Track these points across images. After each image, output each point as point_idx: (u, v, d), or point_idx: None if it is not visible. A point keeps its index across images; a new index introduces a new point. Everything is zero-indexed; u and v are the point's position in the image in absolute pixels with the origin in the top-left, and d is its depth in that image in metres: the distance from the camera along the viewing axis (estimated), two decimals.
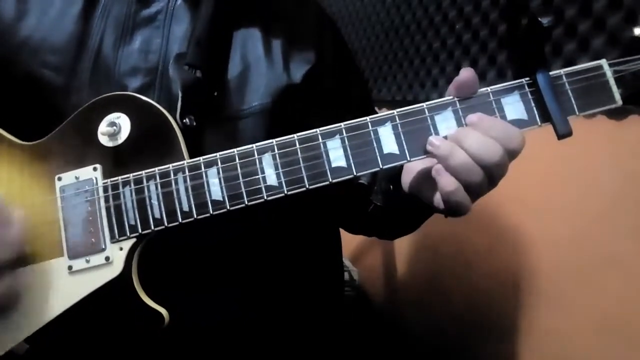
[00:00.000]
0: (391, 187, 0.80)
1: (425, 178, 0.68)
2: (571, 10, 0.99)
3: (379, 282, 1.79)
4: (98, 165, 0.73)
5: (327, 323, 1.03)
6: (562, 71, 0.63)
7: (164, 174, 0.70)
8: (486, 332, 1.27)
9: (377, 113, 0.68)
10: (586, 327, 0.99)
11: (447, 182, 0.63)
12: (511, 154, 0.64)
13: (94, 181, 0.73)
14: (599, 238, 0.97)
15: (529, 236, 1.15)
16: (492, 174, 0.63)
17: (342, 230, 1.06)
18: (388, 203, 0.84)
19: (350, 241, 1.82)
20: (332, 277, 1.06)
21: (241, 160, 0.68)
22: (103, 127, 0.74)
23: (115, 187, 0.72)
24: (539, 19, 0.56)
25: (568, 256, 1.04)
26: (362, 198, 0.87)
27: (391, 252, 1.71)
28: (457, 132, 0.64)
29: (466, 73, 0.65)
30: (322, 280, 1.01)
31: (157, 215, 0.70)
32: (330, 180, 0.66)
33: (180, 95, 0.78)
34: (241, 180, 0.68)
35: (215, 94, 0.83)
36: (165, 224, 0.70)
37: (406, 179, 0.73)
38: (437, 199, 0.66)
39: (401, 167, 0.74)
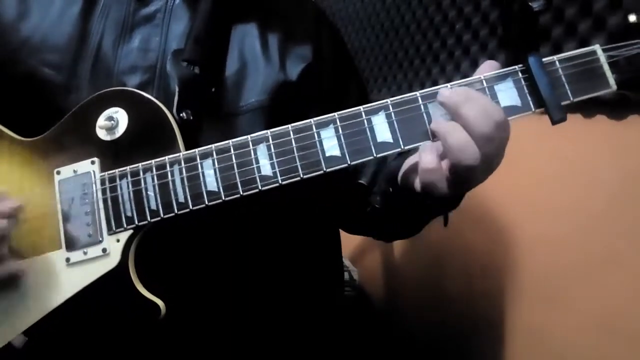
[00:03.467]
0: (391, 189, 0.79)
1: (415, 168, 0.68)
2: (571, 9, 0.99)
3: (379, 282, 1.78)
4: (96, 159, 0.74)
5: (327, 323, 1.03)
6: (556, 57, 0.63)
7: (160, 166, 0.71)
8: (486, 332, 1.26)
9: None
10: (586, 326, 0.98)
11: (428, 160, 0.63)
12: (500, 128, 0.62)
13: (92, 174, 0.74)
14: (598, 237, 0.96)
15: (528, 235, 1.14)
16: (484, 152, 0.62)
17: (342, 230, 1.06)
18: (386, 205, 0.83)
19: (350, 241, 1.82)
20: (332, 277, 1.06)
21: (236, 151, 0.69)
22: (101, 122, 0.75)
23: (112, 179, 0.72)
24: (529, 3, 0.56)
25: (567, 255, 1.03)
26: (361, 199, 0.86)
27: (391, 252, 1.70)
28: (455, 99, 0.63)
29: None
30: (322, 280, 1.01)
31: (154, 207, 0.70)
32: (325, 169, 0.66)
33: (177, 90, 0.78)
34: (236, 170, 0.68)
35: (213, 90, 0.83)
36: (162, 215, 0.70)
37: (401, 171, 0.73)
38: (417, 182, 0.67)
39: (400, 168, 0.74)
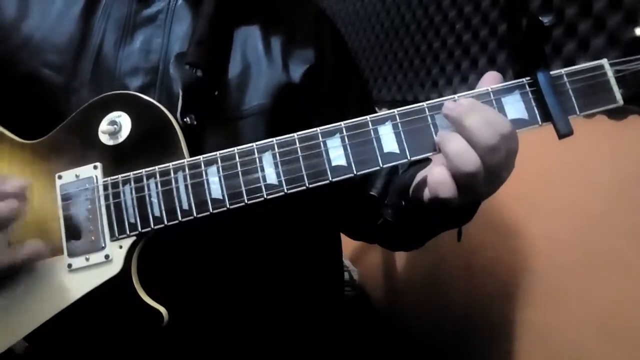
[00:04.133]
0: (403, 202, 0.78)
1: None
2: (571, 10, 0.98)
3: (379, 282, 1.79)
4: (98, 164, 0.73)
5: (327, 323, 1.03)
6: (563, 71, 0.63)
7: (164, 172, 0.70)
8: (486, 332, 1.27)
9: (377, 113, 0.68)
10: (586, 326, 0.99)
11: (436, 170, 0.63)
12: (505, 139, 0.62)
13: (94, 179, 0.73)
14: (598, 238, 0.97)
15: (528, 236, 1.14)
16: (488, 162, 0.61)
17: (344, 235, 1.06)
18: (398, 218, 0.83)
19: (350, 241, 1.81)
20: (332, 277, 1.06)
21: (241, 159, 0.68)
22: (104, 126, 0.74)
23: (115, 185, 0.72)
24: (540, 18, 0.56)
25: (568, 255, 1.04)
26: (372, 210, 0.86)
27: (391, 252, 1.71)
28: (459, 110, 0.63)
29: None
30: (322, 281, 1.01)
31: (157, 214, 0.70)
32: (330, 179, 0.66)
33: (180, 94, 0.78)
34: (241, 178, 0.68)
35: (216, 93, 0.83)
36: (165, 222, 0.70)
37: (413, 184, 0.73)
38: (426, 194, 0.66)
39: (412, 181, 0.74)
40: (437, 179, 0.62)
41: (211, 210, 0.69)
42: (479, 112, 0.62)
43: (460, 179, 0.62)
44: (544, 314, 1.09)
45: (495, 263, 1.24)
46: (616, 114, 0.89)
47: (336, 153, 0.66)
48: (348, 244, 1.74)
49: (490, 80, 0.66)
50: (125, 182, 0.72)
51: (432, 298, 1.52)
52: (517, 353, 1.17)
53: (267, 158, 0.68)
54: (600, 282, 0.97)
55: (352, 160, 0.66)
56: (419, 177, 0.72)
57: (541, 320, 1.10)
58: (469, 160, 0.60)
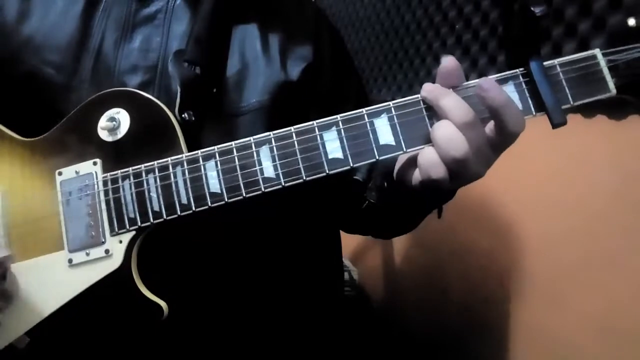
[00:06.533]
0: (386, 184, 0.80)
1: (412, 163, 0.69)
2: (571, 10, 0.99)
3: (379, 282, 1.79)
4: (98, 160, 0.74)
5: (327, 323, 1.03)
6: (556, 61, 0.64)
7: (163, 167, 0.71)
8: (485, 332, 1.26)
9: None
10: (584, 326, 0.99)
11: (428, 156, 0.63)
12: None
13: (94, 175, 0.73)
14: (598, 237, 0.97)
15: (528, 236, 1.14)
16: (469, 138, 0.62)
17: (341, 230, 1.06)
18: (382, 200, 0.84)
19: (350, 241, 1.82)
20: (332, 277, 1.06)
21: (239, 153, 0.69)
22: (103, 122, 0.75)
23: (114, 180, 0.72)
24: (532, 7, 0.57)
25: (567, 255, 1.03)
26: (357, 195, 0.87)
27: (391, 252, 1.71)
28: (436, 92, 0.64)
29: (450, 62, 0.66)
30: (322, 281, 1.01)
31: (156, 208, 0.70)
32: (327, 171, 0.66)
33: (179, 90, 0.78)
34: (239, 172, 0.68)
35: (214, 90, 0.83)
36: (164, 216, 0.70)
37: (397, 167, 0.74)
38: (416, 177, 0.67)
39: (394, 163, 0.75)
40: (428, 160, 0.63)
41: (210, 204, 0.69)
42: (454, 93, 0.63)
43: (450, 164, 0.62)
44: (543, 314, 1.09)
45: (495, 263, 1.23)
46: (616, 114, 0.89)
47: (333, 146, 0.67)
48: (348, 244, 1.74)
49: (446, 69, 0.66)
50: (125, 177, 0.72)
51: (432, 298, 1.51)
52: (517, 353, 1.16)
53: (265, 152, 0.68)
54: (599, 282, 0.97)
55: (348, 152, 0.66)
56: (402, 158, 0.72)
57: (540, 320, 1.10)
58: (456, 145, 0.61)
